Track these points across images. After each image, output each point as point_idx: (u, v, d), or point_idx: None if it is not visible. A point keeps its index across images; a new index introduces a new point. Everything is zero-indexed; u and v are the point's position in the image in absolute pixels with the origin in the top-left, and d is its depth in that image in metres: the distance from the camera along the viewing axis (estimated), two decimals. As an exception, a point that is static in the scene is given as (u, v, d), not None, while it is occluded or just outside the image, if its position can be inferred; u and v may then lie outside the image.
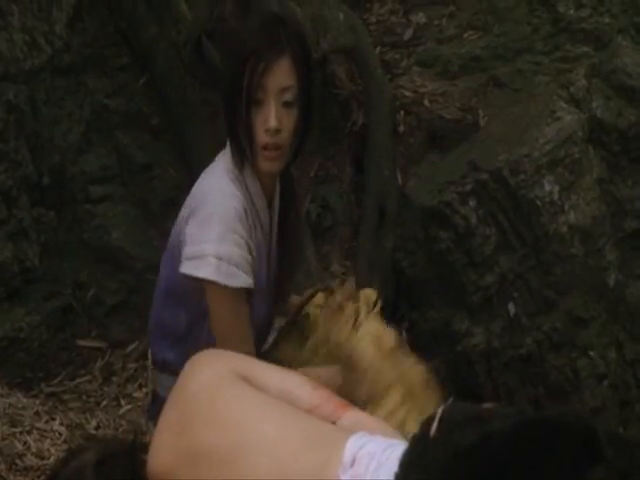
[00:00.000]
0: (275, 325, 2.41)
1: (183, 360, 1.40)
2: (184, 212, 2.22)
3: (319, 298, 2.37)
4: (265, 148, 2.12)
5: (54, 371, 3.27)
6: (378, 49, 3.90)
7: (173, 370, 1.89)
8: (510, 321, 3.39)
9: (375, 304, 2.31)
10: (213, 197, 2.15)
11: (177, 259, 2.19)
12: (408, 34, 3.95)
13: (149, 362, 2.38)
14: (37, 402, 3.07)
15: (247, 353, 1.79)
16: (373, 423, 1.65)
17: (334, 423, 1.62)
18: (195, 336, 2.18)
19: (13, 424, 2.90)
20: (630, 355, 3.53)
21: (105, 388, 3.24)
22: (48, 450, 2.82)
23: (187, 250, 2.12)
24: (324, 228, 3.67)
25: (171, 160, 3.56)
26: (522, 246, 3.39)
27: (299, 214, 2.49)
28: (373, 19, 4.01)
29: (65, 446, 2.82)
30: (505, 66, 3.73)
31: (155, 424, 1.60)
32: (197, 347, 1.51)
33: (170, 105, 3.58)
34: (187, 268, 2.11)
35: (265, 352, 2.32)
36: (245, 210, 2.14)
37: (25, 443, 2.82)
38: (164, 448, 1.61)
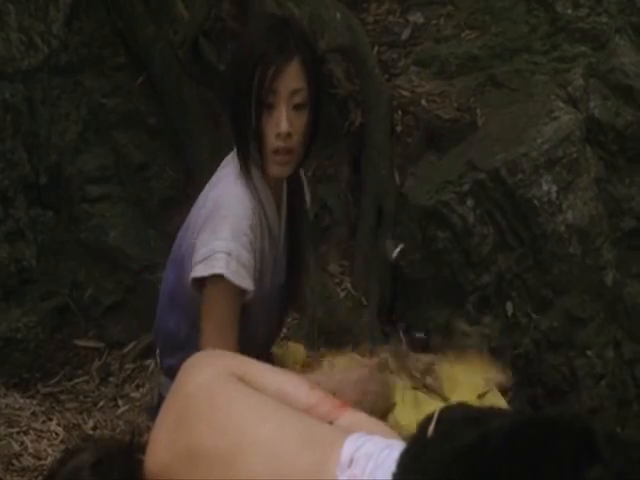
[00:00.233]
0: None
1: None
2: (195, 220, 2.18)
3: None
4: (276, 152, 2.09)
5: (51, 371, 3.27)
6: (376, 49, 3.89)
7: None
8: (508, 321, 3.39)
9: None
10: (227, 202, 2.13)
11: (180, 266, 2.18)
12: (406, 34, 3.95)
13: (157, 364, 2.36)
14: (34, 402, 3.06)
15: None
16: (371, 423, 1.64)
17: (331, 423, 1.62)
18: (195, 345, 2.15)
19: (10, 424, 2.89)
20: (628, 354, 3.53)
21: (102, 388, 3.23)
22: (45, 450, 2.82)
23: (197, 255, 2.09)
24: (322, 228, 3.66)
25: (168, 160, 3.56)
26: (520, 246, 3.39)
27: (306, 219, 2.46)
28: (370, 19, 4.01)
29: (62, 446, 2.82)
30: (503, 66, 3.73)
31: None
32: None
33: (167, 105, 3.58)
34: (198, 271, 2.08)
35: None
36: (256, 216, 2.13)
37: (22, 443, 2.82)
38: (161, 448, 1.61)
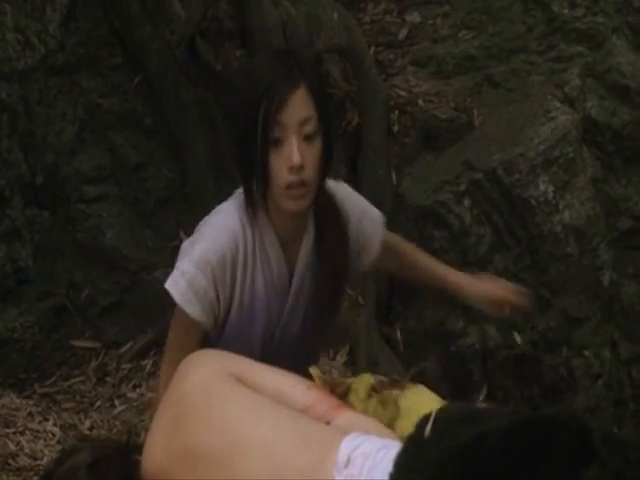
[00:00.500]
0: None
1: None
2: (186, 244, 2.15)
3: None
4: (289, 187, 1.98)
5: (48, 371, 3.26)
6: (372, 49, 3.89)
7: None
8: (505, 321, 3.38)
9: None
10: (210, 224, 2.08)
11: None
12: (402, 34, 3.95)
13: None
14: (30, 403, 3.06)
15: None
16: (368, 423, 1.64)
17: (328, 423, 1.61)
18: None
19: (6, 425, 2.89)
20: (624, 354, 3.53)
21: (99, 388, 3.23)
22: (41, 451, 2.81)
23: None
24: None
25: (165, 160, 3.56)
26: (516, 245, 3.39)
27: (344, 245, 2.16)
28: (367, 19, 4.01)
29: (59, 447, 2.81)
30: (499, 66, 3.73)
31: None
32: None
33: (164, 105, 3.58)
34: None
35: None
36: (240, 250, 2.04)
37: (18, 444, 2.82)
38: (158, 448, 1.61)
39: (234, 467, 1.51)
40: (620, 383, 3.51)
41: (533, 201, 3.37)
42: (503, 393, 3.42)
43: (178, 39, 3.56)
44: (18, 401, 3.04)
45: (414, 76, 3.80)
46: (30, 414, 2.98)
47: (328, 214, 2.12)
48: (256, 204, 2.05)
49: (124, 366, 3.30)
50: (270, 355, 2.05)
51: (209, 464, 1.53)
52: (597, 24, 3.65)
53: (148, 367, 3.27)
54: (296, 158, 1.95)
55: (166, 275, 2.12)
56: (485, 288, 2.38)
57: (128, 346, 3.35)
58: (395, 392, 2.04)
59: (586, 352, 3.44)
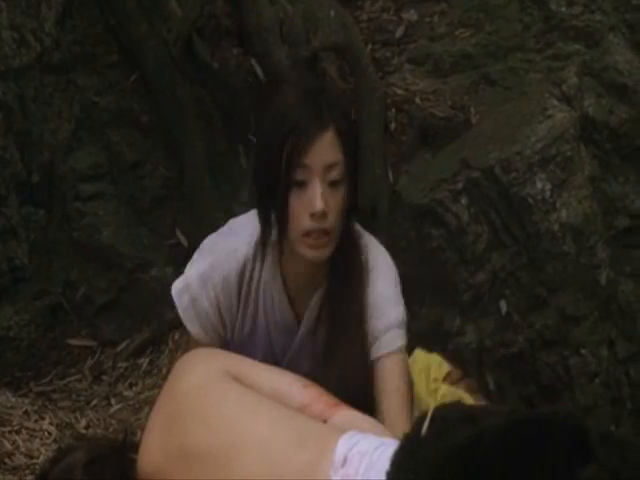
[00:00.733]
0: None
1: None
2: None
3: None
4: (309, 235, 1.88)
5: (43, 370, 3.25)
6: (369, 47, 3.89)
7: None
8: (502, 319, 3.38)
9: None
10: (224, 244, 2.00)
11: None
12: (399, 32, 3.94)
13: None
14: (26, 401, 3.05)
15: None
16: (365, 422, 1.64)
17: (325, 421, 1.61)
18: None
19: (2, 423, 2.88)
20: (622, 353, 3.53)
21: (95, 387, 3.22)
22: (37, 450, 2.80)
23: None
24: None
25: (161, 158, 3.55)
26: (514, 244, 3.39)
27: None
28: (364, 16, 4.00)
29: (55, 445, 2.81)
30: (497, 64, 3.73)
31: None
32: None
33: (160, 103, 3.57)
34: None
35: None
36: (243, 279, 1.98)
37: (14, 442, 2.81)
38: (154, 447, 1.60)
39: (231, 466, 1.50)
40: (617, 382, 3.51)
41: (530, 199, 3.37)
42: (500, 392, 3.42)
43: (175, 37, 3.55)
44: (14, 400, 3.03)
45: (411, 74, 3.80)
46: (26, 413, 2.97)
47: (347, 269, 1.99)
48: (269, 246, 1.95)
49: (120, 365, 3.29)
50: None
51: (205, 463, 1.52)
52: (594, 22, 3.64)
53: (144, 366, 3.26)
54: (319, 205, 1.84)
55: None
56: None
57: (124, 344, 3.35)
58: (459, 392, 2.05)
59: (583, 351, 3.44)
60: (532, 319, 3.39)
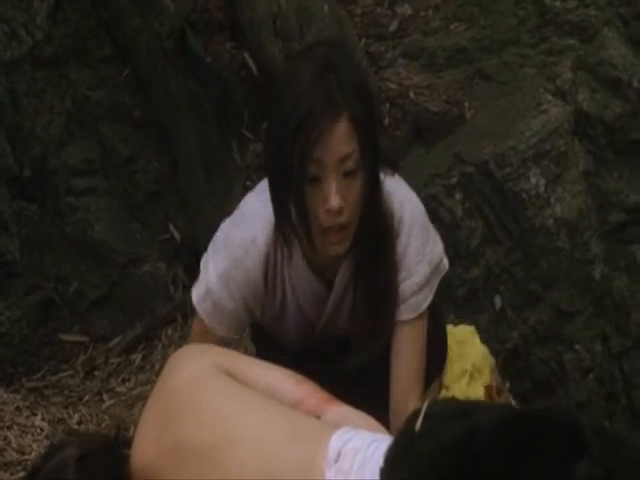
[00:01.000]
0: None
1: None
2: None
3: None
4: (327, 231, 1.80)
5: (35, 366, 3.24)
6: (363, 41, 3.88)
7: None
8: (496, 315, 3.38)
9: None
10: (238, 228, 1.92)
11: None
12: (393, 26, 3.94)
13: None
14: (18, 397, 3.04)
15: None
16: (358, 418, 1.63)
17: (318, 417, 1.60)
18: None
19: (-6, 419, 2.88)
20: (616, 348, 3.53)
21: (87, 383, 3.21)
22: (29, 446, 2.80)
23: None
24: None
25: (154, 152, 3.54)
26: (508, 239, 3.39)
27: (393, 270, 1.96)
28: (358, 11, 4.00)
29: (47, 441, 2.80)
30: (491, 58, 3.73)
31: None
32: None
33: (153, 97, 3.56)
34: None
35: None
36: (267, 267, 1.91)
37: (6, 438, 2.80)
38: (148, 443, 1.59)
39: (224, 462, 1.50)
40: (611, 377, 3.51)
41: (524, 194, 3.37)
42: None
43: (167, 31, 3.54)
44: (5, 395, 3.02)
45: (405, 69, 3.79)
46: (18, 409, 2.96)
47: (374, 233, 1.91)
48: (289, 242, 1.88)
49: (113, 360, 3.28)
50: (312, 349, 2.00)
51: (199, 459, 1.52)
52: (589, 16, 3.64)
53: (137, 361, 3.26)
54: (334, 201, 1.76)
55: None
56: None
57: (117, 340, 3.34)
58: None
59: (577, 346, 3.44)
60: (526, 314, 3.39)
